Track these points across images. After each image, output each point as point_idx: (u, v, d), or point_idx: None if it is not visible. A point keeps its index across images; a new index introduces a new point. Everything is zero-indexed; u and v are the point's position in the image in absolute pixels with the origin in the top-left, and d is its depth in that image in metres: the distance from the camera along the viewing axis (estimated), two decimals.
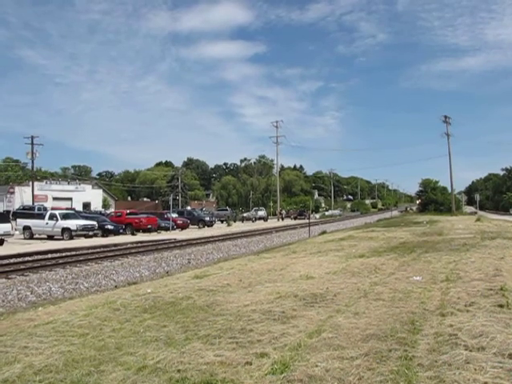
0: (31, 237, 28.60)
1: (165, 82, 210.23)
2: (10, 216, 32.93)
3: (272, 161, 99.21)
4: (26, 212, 35.18)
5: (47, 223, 28.32)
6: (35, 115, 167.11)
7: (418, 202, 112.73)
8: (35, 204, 44.44)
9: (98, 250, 21.48)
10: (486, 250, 13.53)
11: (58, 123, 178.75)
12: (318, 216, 75.25)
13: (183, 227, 38.86)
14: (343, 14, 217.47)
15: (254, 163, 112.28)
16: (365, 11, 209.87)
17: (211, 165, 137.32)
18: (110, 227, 31.21)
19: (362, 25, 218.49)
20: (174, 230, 36.54)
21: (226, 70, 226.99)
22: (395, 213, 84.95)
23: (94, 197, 64.63)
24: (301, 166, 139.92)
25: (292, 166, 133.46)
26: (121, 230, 31.71)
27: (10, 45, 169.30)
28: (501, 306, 6.17)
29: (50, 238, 28.58)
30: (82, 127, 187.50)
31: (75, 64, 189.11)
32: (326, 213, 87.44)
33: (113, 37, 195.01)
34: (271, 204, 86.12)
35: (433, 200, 69.82)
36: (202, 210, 58.89)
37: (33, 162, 49.86)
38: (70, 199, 58.53)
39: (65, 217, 28.98)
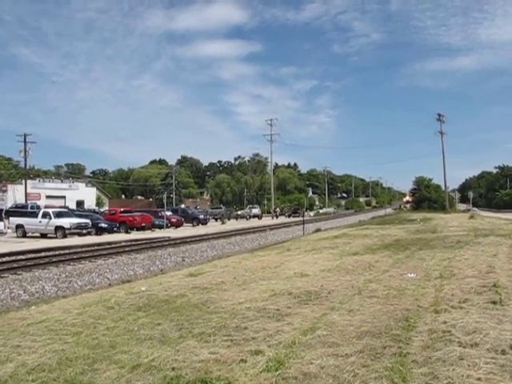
0: (24, 235, 28.38)
1: (160, 80, 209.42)
2: (3, 214, 32.70)
3: (266, 159, 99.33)
4: (19, 210, 34.93)
5: (40, 221, 28.13)
6: (30, 113, 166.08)
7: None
8: (28, 202, 44.16)
9: (92, 248, 21.38)
10: (479, 247, 13.62)
11: (53, 121, 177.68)
12: (312, 214, 75.36)
13: (177, 225, 38.76)
14: (338, 13, 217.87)
15: (248, 161, 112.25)
16: (359, 11, 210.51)
17: (205, 163, 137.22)
18: (103, 225, 31.06)
19: (356, 24, 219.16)
20: (168, 228, 36.41)
21: (221, 69, 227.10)
22: (389, 210, 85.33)
23: (88, 195, 64.33)
24: (295, 164, 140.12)
25: (286, 164, 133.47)
26: (115, 228, 31.54)
27: (5, 43, 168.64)
28: (494, 302, 6.20)
29: (44, 236, 28.37)
30: (77, 125, 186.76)
31: (71, 62, 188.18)
32: (321, 211, 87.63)
33: (109, 35, 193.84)
34: (265, 202, 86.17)
35: (426, 198, 70.04)
36: (196, 208, 58.81)
37: (26, 159, 49.57)
38: (64, 197, 58.22)
39: (58, 215, 28.80)
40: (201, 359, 4.41)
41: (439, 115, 60.77)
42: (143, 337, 5.33)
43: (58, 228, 27.52)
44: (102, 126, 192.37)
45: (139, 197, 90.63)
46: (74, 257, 17.88)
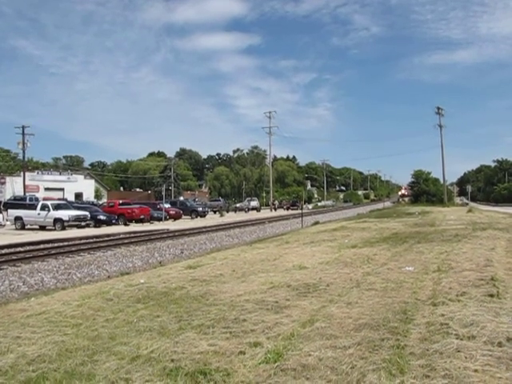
0: (23, 227, 28.39)
1: (159, 73, 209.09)
2: (1, 206, 32.70)
3: (265, 151, 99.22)
4: (18, 202, 34.85)
5: (39, 214, 28.12)
6: (29, 105, 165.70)
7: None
8: (27, 194, 44.08)
9: (91, 240, 21.42)
10: (477, 240, 13.65)
11: (52, 114, 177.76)
12: (310, 207, 75.51)
13: (176, 218, 38.78)
14: (337, 6, 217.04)
15: (247, 154, 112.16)
16: (359, 4, 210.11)
17: (204, 155, 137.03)
18: (102, 218, 31.06)
19: (355, 17, 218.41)
20: (167, 220, 36.45)
21: (220, 62, 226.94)
22: (387, 204, 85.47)
23: (87, 187, 64.26)
24: (294, 157, 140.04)
25: (285, 157, 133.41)
26: (113, 221, 31.58)
27: (4, 35, 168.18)
28: (491, 295, 6.24)
29: (42, 228, 28.40)
30: (76, 118, 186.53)
31: (70, 55, 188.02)
32: (319, 203, 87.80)
33: (108, 27, 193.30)
34: (264, 194, 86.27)
35: (425, 191, 70.17)
36: (194, 200, 58.79)
37: (24, 151, 49.43)
38: (62, 189, 58.14)
39: (57, 207, 28.80)
40: (200, 351, 4.44)
41: (438, 108, 60.68)
42: (142, 328, 5.35)
43: (56, 220, 27.53)
44: (101, 119, 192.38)
45: (138, 189, 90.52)
46: (73, 249, 17.91)
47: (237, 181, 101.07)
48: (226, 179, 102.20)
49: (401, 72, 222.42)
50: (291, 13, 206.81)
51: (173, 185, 77.44)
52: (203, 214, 44.74)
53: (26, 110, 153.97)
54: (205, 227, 29.42)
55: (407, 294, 6.68)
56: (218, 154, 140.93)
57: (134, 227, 30.14)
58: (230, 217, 46.04)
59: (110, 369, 4.09)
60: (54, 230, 27.25)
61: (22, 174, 50.14)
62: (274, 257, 11.82)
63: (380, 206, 76.27)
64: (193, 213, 43.72)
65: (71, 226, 27.81)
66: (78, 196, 58.82)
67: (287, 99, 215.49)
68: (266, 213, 56.80)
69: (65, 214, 27.80)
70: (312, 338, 4.73)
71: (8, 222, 29.66)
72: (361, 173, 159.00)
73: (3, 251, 16.96)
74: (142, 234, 24.75)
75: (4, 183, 53.48)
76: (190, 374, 3.90)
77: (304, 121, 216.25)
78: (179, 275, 9.48)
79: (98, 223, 30.38)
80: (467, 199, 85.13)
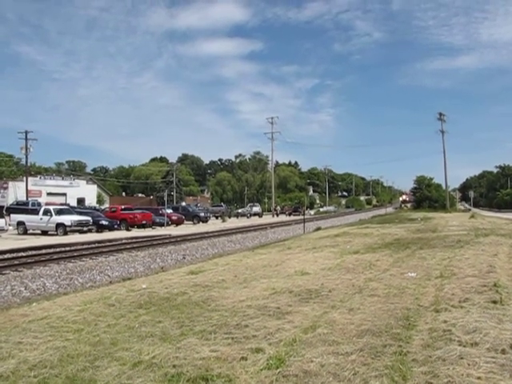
0: (25, 232, 28.46)
1: (161, 78, 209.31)
2: (4, 211, 32.78)
3: (267, 157, 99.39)
4: (20, 207, 34.91)
5: (41, 219, 28.20)
6: (32, 111, 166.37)
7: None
8: (29, 199, 44.14)
9: (93, 245, 21.43)
10: (480, 246, 13.60)
11: (55, 119, 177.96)
12: (312, 212, 75.46)
13: (178, 223, 38.81)
14: (339, 12, 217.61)
15: (249, 159, 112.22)
16: (361, 10, 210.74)
17: (206, 161, 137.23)
18: (104, 223, 31.12)
19: (357, 23, 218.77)
20: (169, 225, 36.46)
21: (222, 67, 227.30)
22: (390, 209, 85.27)
23: (89, 192, 64.33)
24: (296, 163, 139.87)
25: (287, 163, 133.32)
26: (115, 226, 31.62)
27: (7, 40, 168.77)
28: (494, 302, 6.21)
29: (44, 233, 28.47)
30: (79, 123, 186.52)
31: (73, 60, 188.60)
32: (321, 209, 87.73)
33: (111, 33, 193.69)
34: (266, 200, 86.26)
35: (427, 197, 70.13)
36: (196, 205, 58.80)
37: (27, 157, 49.50)
38: (65, 195, 58.18)
39: (59, 212, 28.89)
40: (202, 357, 4.43)
41: (440, 114, 60.92)
42: (144, 334, 5.35)
43: (58, 225, 27.60)
44: (104, 124, 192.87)
45: (140, 194, 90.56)
46: (75, 254, 17.92)
47: (239, 186, 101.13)
48: (228, 185, 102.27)
49: (403, 77, 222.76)
50: (294, 19, 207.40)
51: (175, 190, 77.57)
52: (205, 220, 44.77)
53: (28, 115, 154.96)
54: (207, 233, 29.42)
55: (409, 300, 6.66)
56: (220, 160, 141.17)
57: (136, 232, 30.18)
58: (232, 222, 46.03)
59: (112, 374, 4.08)
60: (56, 235, 27.32)
61: (24, 178, 50.21)
62: (276, 262, 11.80)
63: (382, 211, 76.06)
64: (195, 218, 43.77)
65: (73, 231, 27.87)
66: (81, 201, 58.86)
67: (290, 104, 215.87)
68: (267, 218, 56.79)
69: (67, 219, 27.88)
70: (314, 344, 4.71)
71: (10, 227, 29.71)
72: (363, 178, 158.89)
73: (5, 256, 16.97)
74: (144, 239, 24.75)
75: (7, 188, 53.59)
76: (192, 380, 3.89)
77: (306, 126, 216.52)
78: (181, 281, 9.47)
79: (100, 228, 30.42)
80: (469, 205, 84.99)
